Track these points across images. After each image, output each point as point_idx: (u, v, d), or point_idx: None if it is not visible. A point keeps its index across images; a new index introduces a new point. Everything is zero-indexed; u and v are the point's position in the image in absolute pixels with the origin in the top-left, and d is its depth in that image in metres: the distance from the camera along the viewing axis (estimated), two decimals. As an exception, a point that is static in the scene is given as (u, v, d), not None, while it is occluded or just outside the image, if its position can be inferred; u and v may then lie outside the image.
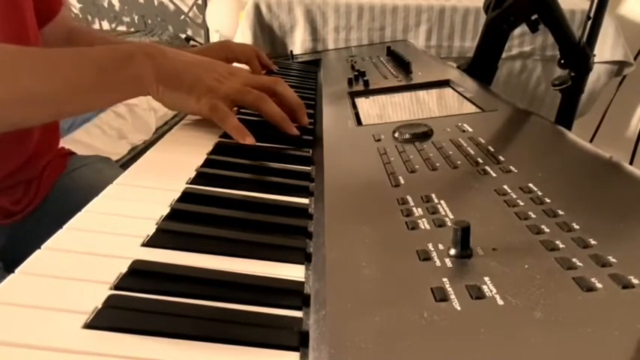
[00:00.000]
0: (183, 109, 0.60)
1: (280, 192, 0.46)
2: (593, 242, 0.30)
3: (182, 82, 0.56)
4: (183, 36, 2.78)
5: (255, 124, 0.59)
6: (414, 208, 0.38)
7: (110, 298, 0.29)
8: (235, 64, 0.97)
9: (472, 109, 0.62)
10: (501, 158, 0.44)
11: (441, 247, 0.32)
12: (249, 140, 0.57)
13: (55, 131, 0.80)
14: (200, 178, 0.48)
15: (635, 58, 1.61)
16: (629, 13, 1.89)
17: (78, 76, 0.54)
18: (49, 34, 0.79)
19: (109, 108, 2.02)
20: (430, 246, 0.32)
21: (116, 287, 0.31)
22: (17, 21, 0.67)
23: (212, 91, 0.57)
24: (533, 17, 0.77)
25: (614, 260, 0.28)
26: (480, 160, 0.45)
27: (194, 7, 2.76)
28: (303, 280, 0.34)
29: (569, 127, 0.89)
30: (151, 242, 0.36)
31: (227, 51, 0.92)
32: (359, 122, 0.62)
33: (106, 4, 2.79)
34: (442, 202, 0.38)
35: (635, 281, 0.26)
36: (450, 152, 0.47)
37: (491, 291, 0.27)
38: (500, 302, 0.26)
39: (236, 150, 0.56)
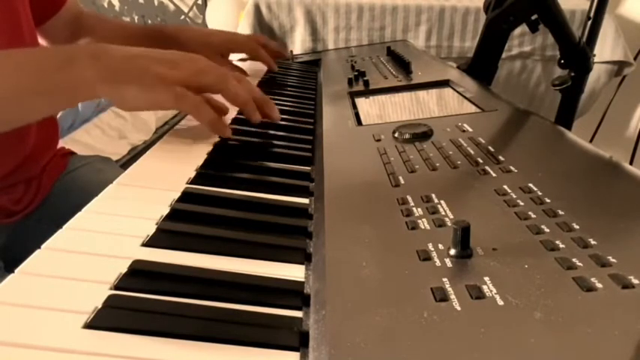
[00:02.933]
0: (141, 105, 0.53)
1: (280, 192, 0.46)
2: (593, 242, 0.30)
3: (128, 75, 0.51)
4: (183, 36, 2.77)
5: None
6: (414, 208, 0.38)
7: (110, 298, 0.29)
8: (238, 62, 0.97)
9: (472, 109, 0.62)
10: (501, 158, 0.44)
11: (441, 247, 0.32)
12: (228, 133, 0.55)
13: (53, 130, 0.79)
14: (200, 178, 0.48)
15: (635, 58, 1.61)
16: (629, 13, 1.89)
17: (17, 79, 0.50)
18: (54, 27, 0.79)
19: (109, 108, 2.02)
20: (430, 246, 0.32)
21: (116, 287, 0.31)
22: (10, 16, 0.66)
23: (163, 79, 0.52)
24: (533, 17, 0.77)
25: (614, 260, 0.28)
26: (480, 160, 0.45)
27: (194, 7, 2.76)
28: (303, 280, 0.34)
29: (569, 127, 0.89)
30: (150, 242, 0.36)
31: (231, 42, 0.92)
32: (359, 122, 0.62)
33: (105, 4, 2.79)
34: (442, 202, 0.38)
35: (635, 281, 0.26)
36: (450, 152, 0.47)
37: (491, 291, 0.27)
38: (500, 302, 0.26)
39: (236, 150, 0.56)
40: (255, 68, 0.98)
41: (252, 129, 0.62)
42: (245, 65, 0.98)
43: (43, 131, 0.74)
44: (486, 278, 0.28)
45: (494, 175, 0.42)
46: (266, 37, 0.99)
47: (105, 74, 0.50)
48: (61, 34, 0.80)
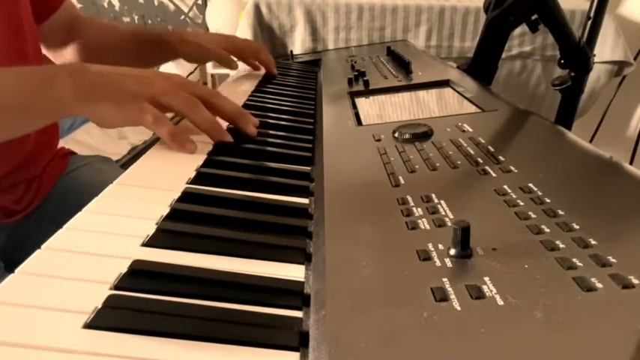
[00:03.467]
0: (116, 122, 0.53)
1: (280, 192, 0.46)
2: (593, 242, 0.30)
3: (102, 92, 0.52)
4: (183, 36, 2.77)
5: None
6: (414, 208, 0.38)
7: (110, 298, 0.29)
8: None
9: (472, 109, 0.62)
10: (501, 158, 0.44)
11: (441, 247, 0.32)
12: (189, 148, 0.53)
13: (53, 131, 0.80)
14: (200, 178, 0.48)
15: (635, 58, 1.61)
16: (629, 13, 1.89)
17: (4, 92, 0.50)
18: (50, 28, 0.79)
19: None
20: (430, 246, 0.32)
21: (116, 287, 0.31)
22: (12, 15, 0.67)
23: (135, 96, 0.52)
24: (533, 17, 0.77)
25: (614, 260, 0.28)
26: (480, 160, 0.45)
27: (194, 7, 2.76)
28: (303, 280, 0.34)
29: (569, 127, 0.89)
30: (150, 242, 0.36)
31: (230, 44, 0.91)
32: (359, 122, 0.62)
33: (106, 4, 2.79)
34: (442, 202, 0.38)
35: (635, 281, 0.26)
36: (450, 152, 0.47)
37: (491, 291, 0.27)
38: (501, 302, 0.26)
39: (236, 150, 0.56)
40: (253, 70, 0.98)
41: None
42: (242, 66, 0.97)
43: (43, 131, 0.74)
44: (486, 278, 0.28)
45: (494, 175, 0.42)
46: (263, 47, 1.00)
47: (80, 92, 0.51)
48: (56, 36, 0.80)
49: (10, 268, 0.31)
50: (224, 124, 0.59)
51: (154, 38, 0.87)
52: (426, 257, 0.31)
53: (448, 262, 0.30)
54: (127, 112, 0.52)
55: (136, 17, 2.78)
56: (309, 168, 0.53)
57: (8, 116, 0.51)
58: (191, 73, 2.61)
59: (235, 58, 0.91)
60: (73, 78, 0.51)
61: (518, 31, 1.30)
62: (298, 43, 1.46)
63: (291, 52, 1.36)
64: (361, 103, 0.72)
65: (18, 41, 0.68)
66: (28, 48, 0.70)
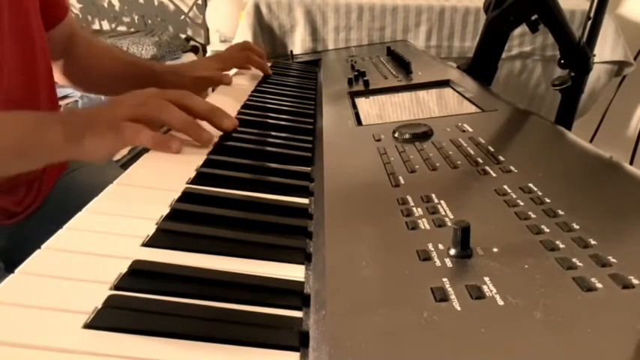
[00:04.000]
0: (103, 153, 0.54)
1: (280, 192, 0.46)
2: (593, 242, 0.30)
3: (85, 129, 0.53)
4: (183, 36, 2.77)
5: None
6: (414, 208, 0.38)
7: (110, 298, 0.29)
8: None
9: (472, 109, 0.62)
10: (501, 158, 0.44)
11: (441, 247, 0.32)
12: (175, 147, 0.54)
13: None
14: (200, 178, 0.48)
15: (635, 58, 1.61)
16: (629, 13, 1.89)
17: (2, 139, 0.54)
18: (53, 38, 0.80)
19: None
20: (430, 246, 0.32)
21: (116, 287, 0.31)
22: (23, 24, 0.68)
23: (111, 121, 0.53)
24: (533, 17, 0.77)
25: (614, 260, 0.28)
26: (480, 160, 0.45)
27: (194, 7, 2.76)
28: (303, 280, 0.34)
29: (569, 127, 0.89)
30: (151, 242, 0.36)
31: (219, 62, 0.92)
32: (359, 122, 0.62)
33: (106, 4, 2.79)
34: (442, 202, 0.38)
35: (635, 281, 0.26)
36: (450, 152, 0.47)
37: (491, 291, 0.27)
38: (501, 302, 0.26)
39: (236, 150, 0.56)
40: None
41: (253, 129, 0.62)
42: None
43: None
44: (486, 278, 0.28)
45: (494, 175, 0.42)
46: (249, 43, 1.00)
47: (69, 135, 0.53)
48: (55, 48, 0.81)
49: (10, 268, 0.31)
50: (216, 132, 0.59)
51: (149, 71, 0.88)
52: (426, 257, 0.31)
53: (448, 262, 0.30)
54: (108, 139, 0.53)
55: (136, 17, 2.78)
56: (309, 168, 0.53)
57: (5, 158, 0.55)
58: (191, 73, 2.60)
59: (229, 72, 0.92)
60: (62, 123, 0.54)
61: (518, 31, 1.30)
62: (298, 43, 1.46)
63: (291, 52, 1.36)
64: (361, 103, 0.72)
65: (27, 49, 0.69)
66: (38, 55, 0.71)
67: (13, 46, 0.66)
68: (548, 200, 0.36)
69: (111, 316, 0.28)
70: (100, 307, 0.29)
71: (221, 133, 0.59)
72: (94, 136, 0.52)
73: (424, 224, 0.35)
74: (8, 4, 0.66)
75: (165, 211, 0.41)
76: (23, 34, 0.68)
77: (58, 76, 0.88)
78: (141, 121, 0.53)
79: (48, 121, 0.55)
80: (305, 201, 0.45)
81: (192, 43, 2.81)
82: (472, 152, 0.47)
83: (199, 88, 0.87)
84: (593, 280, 0.27)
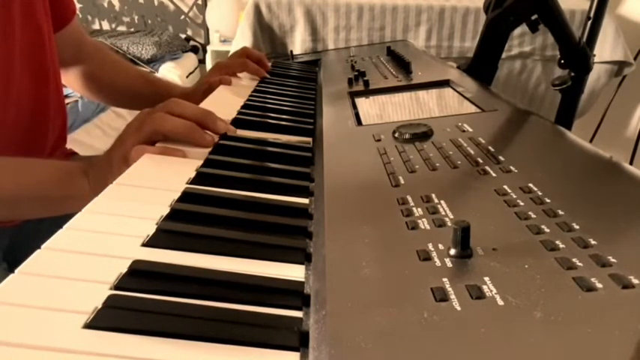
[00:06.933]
0: None
1: (280, 192, 0.46)
2: (593, 242, 0.30)
3: (104, 170, 0.55)
4: (183, 36, 2.78)
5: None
6: (414, 208, 0.38)
7: (110, 298, 0.29)
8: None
9: (472, 109, 0.62)
10: (501, 158, 0.44)
11: (441, 247, 0.32)
12: (180, 152, 0.54)
13: (63, 136, 0.84)
14: (200, 178, 0.48)
15: (635, 58, 1.61)
16: (629, 13, 1.89)
17: (17, 189, 0.57)
18: (61, 40, 0.80)
19: (110, 108, 2.02)
20: (430, 246, 0.32)
21: (116, 287, 0.31)
22: (33, 27, 0.68)
23: (123, 155, 0.54)
24: (533, 17, 0.77)
25: (614, 260, 0.28)
26: (480, 160, 0.45)
27: (194, 7, 2.76)
28: (303, 280, 0.33)
29: (569, 127, 0.89)
30: (151, 242, 0.36)
31: (220, 71, 0.94)
32: (359, 122, 0.62)
33: (106, 4, 2.79)
34: (442, 202, 0.38)
35: (635, 281, 0.26)
36: (450, 152, 0.47)
37: (491, 291, 0.27)
38: (501, 302, 0.26)
39: (236, 150, 0.56)
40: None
41: (252, 129, 0.62)
42: None
43: (57, 140, 0.77)
44: (486, 278, 0.28)
45: (494, 175, 0.42)
46: (248, 48, 1.02)
47: (94, 184, 0.56)
48: (63, 52, 0.81)
49: (14, 269, 0.32)
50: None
51: (163, 89, 0.93)
52: (426, 257, 0.31)
53: (448, 262, 0.30)
54: (124, 171, 0.53)
55: (136, 17, 2.78)
56: (309, 168, 0.53)
57: (27, 204, 0.58)
58: (191, 73, 2.61)
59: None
60: (86, 174, 0.57)
61: (518, 31, 1.30)
62: (298, 43, 1.46)
63: (291, 52, 1.36)
64: (361, 103, 0.72)
65: (36, 50, 0.70)
66: (47, 57, 0.72)
67: (25, 48, 0.68)
68: (548, 200, 0.36)
69: (111, 316, 0.28)
70: (100, 307, 0.29)
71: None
72: (114, 176, 0.52)
73: (424, 224, 0.35)
74: (20, 5, 0.66)
75: (165, 211, 0.41)
76: (33, 36, 0.69)
77: (70, 84, 0.90)
78: (148, 142, 0.54)
79: (71, 176, 0.58)
80: (305, 201, 0.45)
81: (192, 43, 2.81)
82: (472, 152, 0.47)
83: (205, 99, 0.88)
84: (593, 280, 0.27)
